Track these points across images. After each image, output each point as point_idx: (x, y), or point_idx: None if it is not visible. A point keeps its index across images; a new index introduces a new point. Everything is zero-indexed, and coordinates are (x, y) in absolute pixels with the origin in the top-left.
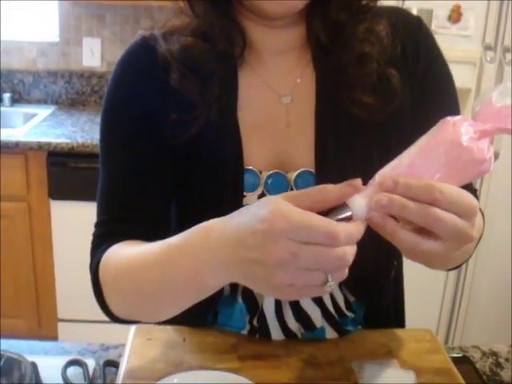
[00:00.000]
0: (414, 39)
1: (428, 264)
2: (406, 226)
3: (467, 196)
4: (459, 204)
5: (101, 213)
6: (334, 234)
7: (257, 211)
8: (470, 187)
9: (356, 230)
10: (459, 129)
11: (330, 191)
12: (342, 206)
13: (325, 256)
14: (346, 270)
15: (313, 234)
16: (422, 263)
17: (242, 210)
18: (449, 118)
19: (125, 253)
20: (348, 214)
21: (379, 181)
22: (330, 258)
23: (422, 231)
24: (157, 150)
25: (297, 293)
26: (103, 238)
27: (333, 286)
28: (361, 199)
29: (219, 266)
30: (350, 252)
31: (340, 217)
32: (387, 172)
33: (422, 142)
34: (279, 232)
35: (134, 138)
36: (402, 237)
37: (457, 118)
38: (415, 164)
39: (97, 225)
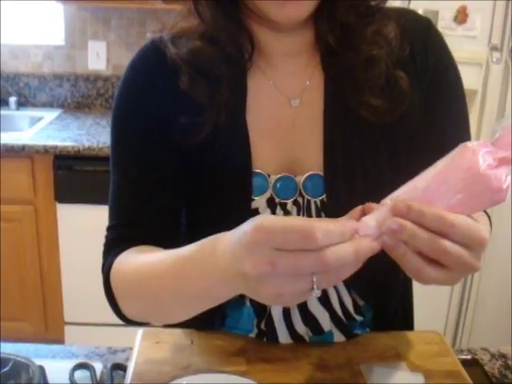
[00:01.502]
0: (422, 40)
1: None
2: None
3: (478, 229)
4: (469, 237)
5: (112, 217)
6: (308, 232)
7: (244, 225)
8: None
9: (339, 226)
10: (478, 156)
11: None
12: None
13: (303, 260)
14: (337, 275)
15: (287, 236)
16: (422, 283)
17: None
18: (469, 144)
19: (137, 260)
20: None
21: (392, 204)
22: (310, 262)
23: (428, 257)
24: (167, 153)
25: (290, 300)
26: (115, 243)
27: (318, 293)
28: (371, 219)
29: (224, 279)
30: (332, 253)
31: None
32: (401, 195)
33: (440, 166)
34: (256, 243)
35: (144, 141)
36: (409, 260)
37: (476, 143)
38: (431, 188)
39: (109, 229)
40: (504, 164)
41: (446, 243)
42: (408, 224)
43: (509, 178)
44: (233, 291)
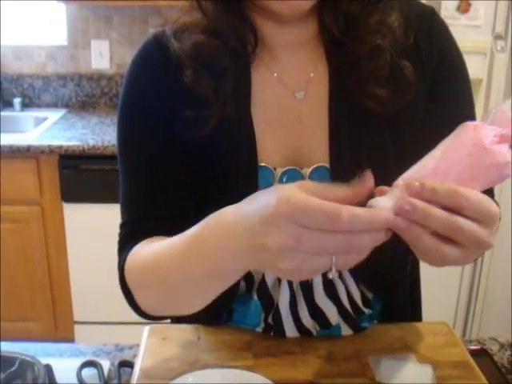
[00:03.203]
0: (426, 29)
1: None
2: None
3: (490, 204)
4: (482, 212)
5: (124, 213)
6: (335, 214)
7: (264, 198)
8: (490, 192)
9: (366, 214)
10: (480, 132)
11: (338, 190)
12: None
13: (328, 240)
14: (354, 258)
15: (314, 215)
16: (437, 266)
17: (251, 197)
18: (469, 123)
19: (148, 248)
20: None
21: (405, 183)
22: (334, 241)
23: (442, 236)
24: (173, 147)
25: (305, 276)
26: (128, 238)
27: (334, 274)
28: (385, 200)
29: (233, 252)
30: (358, 237)
31: None
32: (411, 175)
33: (445, 145)
34: (282, 217)
35: (150, 136)
36: (424, 242)
37: (477, 122)
38: (440, 166)
39: (122, 226)
40: (504, 141)
41: (460, 219)
42: (420, 203)
43: (510, 152)
44: (241, 266)
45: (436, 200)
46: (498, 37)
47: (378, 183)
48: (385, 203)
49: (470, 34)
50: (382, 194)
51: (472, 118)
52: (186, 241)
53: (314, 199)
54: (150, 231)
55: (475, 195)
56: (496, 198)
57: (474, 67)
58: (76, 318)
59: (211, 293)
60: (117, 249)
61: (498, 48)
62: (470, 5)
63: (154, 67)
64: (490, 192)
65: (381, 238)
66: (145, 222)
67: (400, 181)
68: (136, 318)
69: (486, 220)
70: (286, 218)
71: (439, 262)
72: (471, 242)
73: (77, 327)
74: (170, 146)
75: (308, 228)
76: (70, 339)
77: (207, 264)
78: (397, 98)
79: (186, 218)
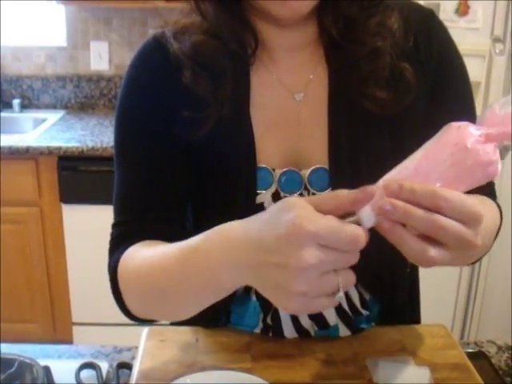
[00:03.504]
0: (426, 31)
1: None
2: (411, 230)
3: (471, 204)
4: (463, 212)
5: (118, 213)
6: (356, 237)
7: (280, 215)
8: (491, 193)
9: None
10: (463, 132)
11: (342, 197)
12: (350, 213)
13: (345, 261)
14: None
15: (337, 237)
16: (424, 267)
17: (261, 214)
18: (453, 123)
19: (143, 253)
20: (355, 220)
21: (384, 184)
22: (348, 262)
23: (429, 238)
24: (171, 148)
25: (306, 303)
26: (121, 239)
27: (342, 294)
28: (367, 206)
29: (236, 268)
30: (356, 258)
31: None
32: (393, 176)
33: (427, 145)
34: (306, 237)
35: (148, 137)
36: (409, 243)
37: (461, 123)
38: (421, 166)
39: (114, 226)
40: (490, 140)
41: (442, 218)
42: (400, 203)
43: (497, 152)
44: (240, 282)
45: (415, 200)
46: (496, 39)
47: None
48: (367, 208)
49: (468, 36)
50: (371, 197)
51: (473, 118)
52: (183, 252)
53: (333, 220)
54: (144, 233)
55: (456, 196)
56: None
57: (473, 70)
58: (74, 319)
59: (205, 302)
60: (108, 249)
61: (497, 51)
62: (468, 7)
63: (153, 68)
64: (490, 193)
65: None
66: (139, 223)
67: (380, 182)
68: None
69: (469, 220)
70: (311, 239)
71: (426, 263)
72: (455, 242)
73: (75, 328)
74: (168, 147)
75: (329, 248)
76: (69, 340)
77: (205, 276)
78: (396, 100)
79: (180, 220)
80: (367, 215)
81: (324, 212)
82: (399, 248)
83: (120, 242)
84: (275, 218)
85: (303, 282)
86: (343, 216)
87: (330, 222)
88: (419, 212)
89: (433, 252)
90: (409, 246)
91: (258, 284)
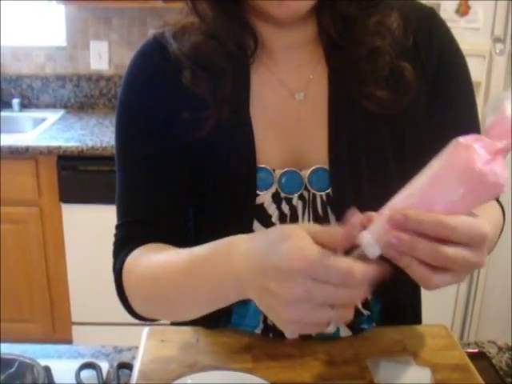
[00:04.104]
0: (426, 30)
1: None
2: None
3: (479, 226)
4: (471, 236)
5: (121, 215)
6: (348, 271)
7: (276, 245)
8: None
9: (373, 271)
10: (472, 154)
11: (334, 236)
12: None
13: (338, 295)
14: (352, 311)
15: (330, 272)
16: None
17: (263, 234)
18: (461, 140)
19: (150, 259)
20: (361, 252)
21: (389, 216)
22: (344, 297)
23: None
24: (171, 149)
25: (300, 329)
26: (124, 241)
27: (332, 328)
28: (369, 235)
29: (240, 285)
30: (359, 294)
31: (354, 255)
32: (398, 203)
33: (434, 168)
34: (298, 272)
35: (148, 137)
36: (415, 271)
37: (469, 137)
38: (428, 194)
39: (117, 227)
40: (499, 154)
41: (448, 250)
42: (405, 237)
43: (505, 170)
44: (242, 295)
45: (422, 231)
46: (496, 40)
47: (376, 186)
48: (369, 239)
49: (468, 36)
50: (370, 221)
51: (474, 117)
52: (193, 260)
53: (327, 254)
54: (147, 235)
55: (463, 223)
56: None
57: (473, 70)
58: (74, 319)
59: (209, 310)
60: (112, 250)
61: (497, 51)
62: (469, 7)
63: (153, 68)
64: None
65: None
66: (141, 225)
67: (385, 210)
68: (134, 319)
69: (475, 243)
70: (302, 273)
71: (428, 288)
72: (462, 268)
73: (75, 328)
74: (169, 148)
75: (321, 282)
76: (68, 340)
77: (210, 287)
78: (396, 100)
79: (183, 221)
80: (369, 247)
81: (320, 244)
82: (406, 271)
83: (123, 244)
84: (273, 248)
85: (293, 311)
86: (350, 249)
87: (325, 258)
88: (425, 245)
89: (438, 279)
90: (414, 273)
91: (257, 302)
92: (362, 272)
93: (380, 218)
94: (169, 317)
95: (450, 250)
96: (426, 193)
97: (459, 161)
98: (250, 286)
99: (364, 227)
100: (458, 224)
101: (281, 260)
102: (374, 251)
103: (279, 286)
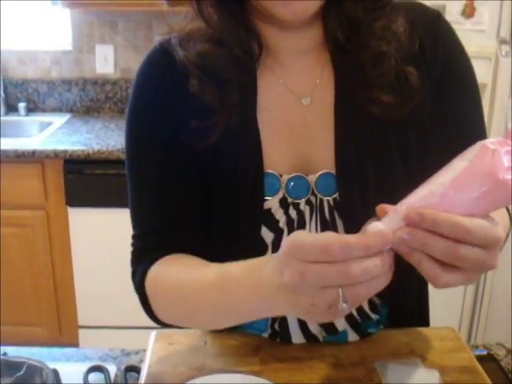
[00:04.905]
0: (431, 34)
1: None
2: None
3: (494, 230)
4: (485, 239)
5: (137, 225)
6: (326, 246)
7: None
8: None
9: (359, 242)
10: (497, 160)
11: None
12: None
13: (327, 271)
14: (361, 290)
15: (309, 250)
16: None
17: (272, 261)
18: (488, 144)
19: (177, 272)
20: None
21: (405, 213)
22: (333, 273)
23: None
24: (184, 159)
25: (325, 312)
26: (144, 252)
27: (345, 307)
28: (383, 227)
29: (267, 294)
30: (357, 266)
31: None
32: (415, 202)
33: (458, 169)
34: (287, 256)
35: (158, 147)
36: (425, 267)
37: (496, 142)
38: (448, 195)
39: (134, 237)
40: None
41: (461, 249)
42: (419, 234)
43: None
44: (273, 309)
45: (437, 231)
46: (502, 41)
47: (383, 190)
48: (380, 229)
49: (474, 38)
50: (383, 213)
51: (480, 120)
52: (223, 277)
53: (312, 237)
54: (165, 246)
55: (479, 225)
56: None
57: (479, 72)
58: (80, 322)
59: (235, 323)
60: (130, 259)
61: (503, 53)
62: (474, 9)
63: (160, 76)
64: None
65: (378, 263)
66: (158, 235)
67: (402, 206)
68: (140, 322)
69: (489, 245)
70: (290, 256)
71: (438, 286)
72: (474, 267)
73: (81, 332)
74: (181, 158)
75: (309, 262)
76: (74, 343)
77: (241, 305)
78: (402, 104)
79: (199, 229)
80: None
81: None
82: (416, 267)
83: (142, 254)
84: (282, 244)
85: (302, 296)
86: None
87: (306, 239)
88: (438, 243)
89: (448, 278)
90: (425, 270)
91: (284, 307)
92: (341, 244)
93: (395, 214)
94: (191, 325)
95: (463, 250)
96: (446, 195)
97: (483, 165)
98: (275, 290)
99: (378, 218)
100: (473, 226)
101: (281, 251)
102: None
103: (284, 276)
